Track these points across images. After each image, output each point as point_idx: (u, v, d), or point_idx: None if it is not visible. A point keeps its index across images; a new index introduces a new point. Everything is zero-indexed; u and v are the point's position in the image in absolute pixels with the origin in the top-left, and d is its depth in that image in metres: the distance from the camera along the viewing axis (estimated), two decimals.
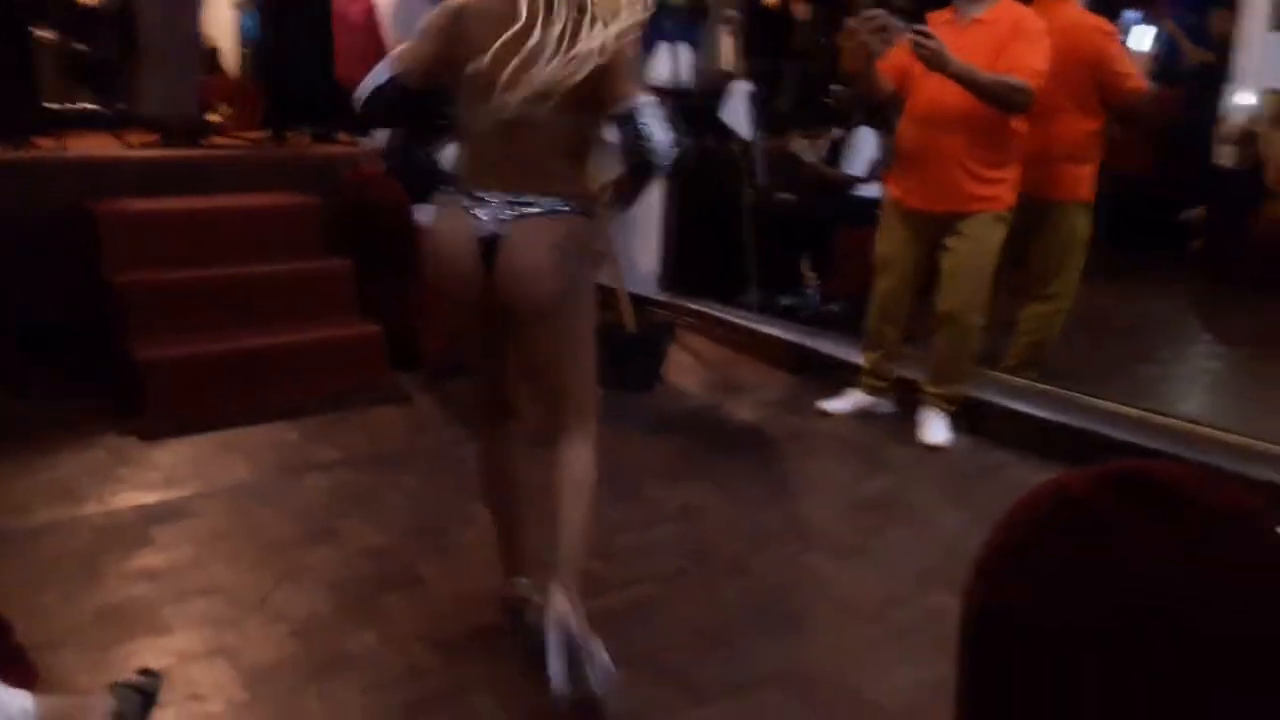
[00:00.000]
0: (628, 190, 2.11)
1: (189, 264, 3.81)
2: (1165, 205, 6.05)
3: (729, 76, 5.35)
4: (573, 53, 1.90)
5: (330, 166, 4.54)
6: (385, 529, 2.81)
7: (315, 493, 3.04)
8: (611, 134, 2.00)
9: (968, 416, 3.58)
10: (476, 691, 2.07)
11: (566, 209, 2.02)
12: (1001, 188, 3.32)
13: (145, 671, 1.98)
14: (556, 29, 1.90)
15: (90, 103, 5.51)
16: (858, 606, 2.47)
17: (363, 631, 2.28)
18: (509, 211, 1.99)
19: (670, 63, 4.53)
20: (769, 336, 4.54)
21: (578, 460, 2.10)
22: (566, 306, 2.06)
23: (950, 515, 2.96)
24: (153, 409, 3.43)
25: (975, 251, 3.35)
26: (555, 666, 1.89)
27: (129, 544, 2.67)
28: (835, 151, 5.31)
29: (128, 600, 2.40)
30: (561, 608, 1.93)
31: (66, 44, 5.27)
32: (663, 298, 5.10)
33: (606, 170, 2.14)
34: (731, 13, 5.55)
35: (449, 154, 2.18)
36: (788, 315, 4.85)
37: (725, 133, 4.87)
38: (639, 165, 1.97)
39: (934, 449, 3.46)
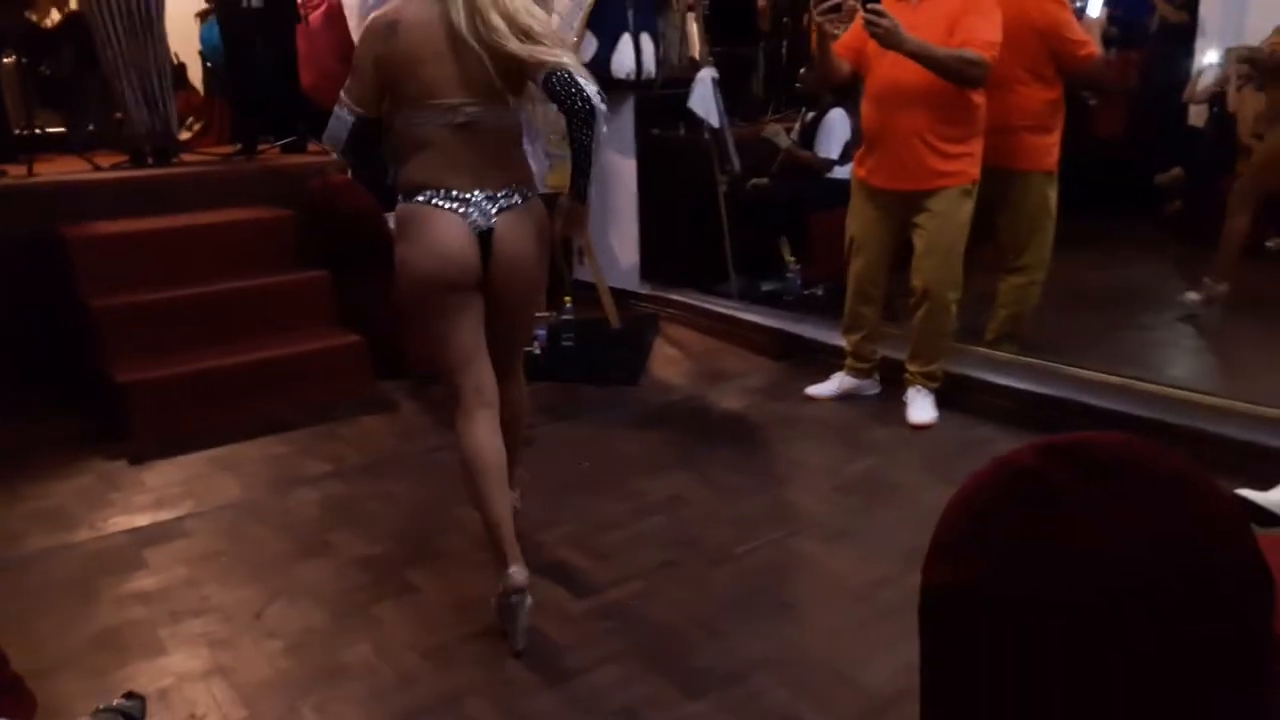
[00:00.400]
0: (582, 160, 2.15)
1: (166, 284, 3.80)
2: (1141, 168, 6.07)
3: (696, 64, 5.34)
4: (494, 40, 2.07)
5: (301, 178, 4.52)
6: (376, 539, 2.82)
7: (305, 506, 3.05)
8: (541, 95, 2.14)
9: (951, 393, 3.61)
10: (471, 697, 2.08)
11: (530, 195, 2.28)
12: (965, 162, 3.33)
13: (130, 695, 2.00)
14: (482, 28, 2.07)
15: (57, 125, 5.48)
16: (847, 588, 2.49)
17: (357, 643, 2.30)
18: (492, 207, 2.20)
19: (633, 54, 4.51)
20: (751, 323, 4.55)
21: (517, 389, 2.51)
22: (541, 285, 2.38)
23: (936, 493, 2.98)
24: (138, 431, 3.44)
25: (944, 228, 3.37)
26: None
27: (122, 568, 2.69)
28: (808, 134, 5.31)
29: (123, 624, 2.41)
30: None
31: (30, 67, 5.22)
32: (644, 290, 5.11)
33: (563, 165, 2.22)
34: None
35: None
36: (770, 301, 4.87)
37: (694, 121, 4.87)
38: (576, 114, 2.06)
39: (919, 428, 3.49)
